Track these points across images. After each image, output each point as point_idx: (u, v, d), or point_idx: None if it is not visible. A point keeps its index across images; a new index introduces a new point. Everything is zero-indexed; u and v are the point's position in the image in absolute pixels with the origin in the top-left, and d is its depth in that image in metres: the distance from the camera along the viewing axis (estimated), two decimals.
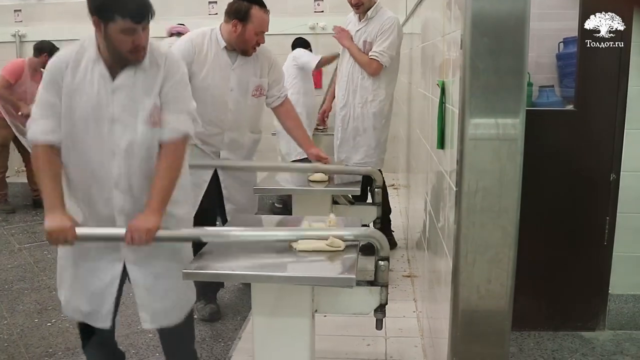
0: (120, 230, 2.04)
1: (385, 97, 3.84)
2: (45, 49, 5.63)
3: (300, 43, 5.35)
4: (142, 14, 1.98)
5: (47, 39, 5.85)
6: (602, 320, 2.96)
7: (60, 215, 2.06)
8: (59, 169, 2.13)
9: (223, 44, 3.05)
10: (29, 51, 6.95)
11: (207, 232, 2.16)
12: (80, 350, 3.01)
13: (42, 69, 5.74)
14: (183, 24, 5.20)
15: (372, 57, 3.73)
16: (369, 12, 3.83)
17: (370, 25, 3.80)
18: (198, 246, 2.17)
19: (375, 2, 3.85)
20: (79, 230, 2.04)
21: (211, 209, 3.22)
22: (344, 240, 1.97)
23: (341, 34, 3.90)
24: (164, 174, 2.09)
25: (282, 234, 2.15)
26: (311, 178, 3.22)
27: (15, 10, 7.18)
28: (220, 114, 3.08)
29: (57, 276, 2.36)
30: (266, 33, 3.09)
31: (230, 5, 3.05)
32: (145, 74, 2.08)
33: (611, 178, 2.82)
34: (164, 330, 2.38)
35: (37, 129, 2.07)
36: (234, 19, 3.00)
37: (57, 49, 5.66)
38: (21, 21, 7.20)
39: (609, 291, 2.93)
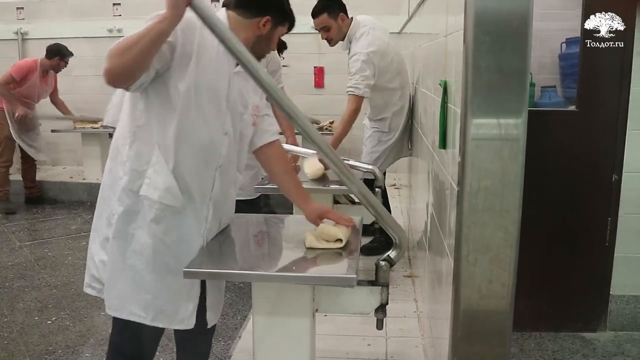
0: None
1: (388, 115, 3.86)
2: (59, 53, 5.65)
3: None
4: (291, 30, 2.15)
5: (49, 37, 5.87)
6: (603, 321, 2.95)
7: None
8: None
9: None
10: (31, 49, 6.99)
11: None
12: (80, 349, 3.02)
13: (52, 71, 5.77)
14: None
15: (347, 92, 3.68)
16: (343, 47, 3.78)
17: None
18: None
19: (346, 32, 3.74)
20: None
21: None
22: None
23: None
24: (289, 164, 2.31)
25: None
26: (308, 173, 3.22)
27: (17, 8, 7.17)
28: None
29: (113, 285, 2.00)
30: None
31: None
32: None
33: (613, 179, 2.82)
34: (189, 334, 2.12)
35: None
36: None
37: (71, 53, 5.69)
38: (23, 19, 7.20)
39: (610, 292, 2.92)
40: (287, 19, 2.09)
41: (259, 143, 2.19)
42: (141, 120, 1.93)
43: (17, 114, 5.60)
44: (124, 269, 1.97)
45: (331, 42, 3.79)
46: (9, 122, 5.67)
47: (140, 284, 1.97)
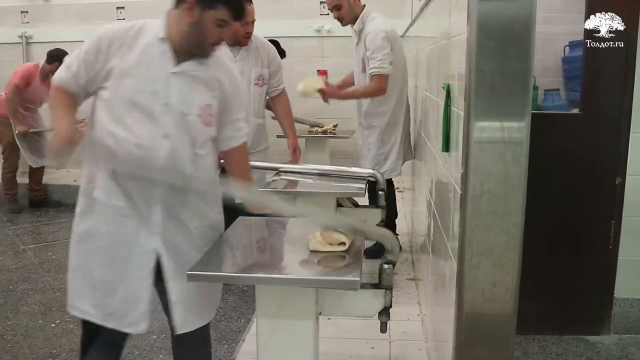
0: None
1: (389, 108, 3.88)
2: (59, 58, 5.66)
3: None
4: (241, 13, 1.99)
5: (53, 41, 5.89)
6: (607, 324, 2.95)
7: (68, 120, 1.94)
8: (75, 105, 2.04)
9: None
10: (36, 52, 7.01)
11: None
12: None
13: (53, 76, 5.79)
14: None
15: (372, 73, 3.64)
16: (355, 27, 3.80)
17: (361, 42, 3.78)
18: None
19: (358, 13, 3.78)
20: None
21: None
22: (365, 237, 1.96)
23: (331, 95, 3.79)
24: (245, 175, 2.24)
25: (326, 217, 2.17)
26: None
27: (22, 12, 7.21)
28: None
29: (70, 284, 2.10)
30: (272, 36, 3.18)
31: None
32: (208, 71, 2.03)
33: (617, 182, 2.82)
34: (183, 336, 2.14)
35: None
36: None
37: None
38: (28, 22, 7.23)
39: (614, 295, 2.92)
40: (218, 2, 1.92)
41: (223, 148, 2.17)
42: (90, 127, 2.04)
43: (16, 131, 5.68)
44: (79, 268, 2.07)
45: (343, 21, 3.80)
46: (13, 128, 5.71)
47: (92, 283, 2.04)
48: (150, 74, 1.95)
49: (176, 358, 2.37)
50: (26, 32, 7.18)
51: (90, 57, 1.97)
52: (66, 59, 2.06)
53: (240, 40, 3.38)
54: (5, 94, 5.65)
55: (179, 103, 1.97)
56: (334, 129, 6.12)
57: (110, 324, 2.04)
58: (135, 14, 6.63)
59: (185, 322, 2.08)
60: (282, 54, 4.93)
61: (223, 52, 2.97)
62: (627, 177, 2.80)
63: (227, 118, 2.12)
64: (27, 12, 7.21)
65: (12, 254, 4.68)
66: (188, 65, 1.98)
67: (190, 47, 1.97)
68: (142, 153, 1.95)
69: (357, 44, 3.84)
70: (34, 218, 5.82)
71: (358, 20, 3.77)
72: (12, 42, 7.20)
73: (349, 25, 3.84)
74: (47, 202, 6.21)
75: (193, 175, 2.04)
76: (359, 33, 3.78)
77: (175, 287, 2.03)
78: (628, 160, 2.79)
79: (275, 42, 5.08)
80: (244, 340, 3.01)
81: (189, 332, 2.12)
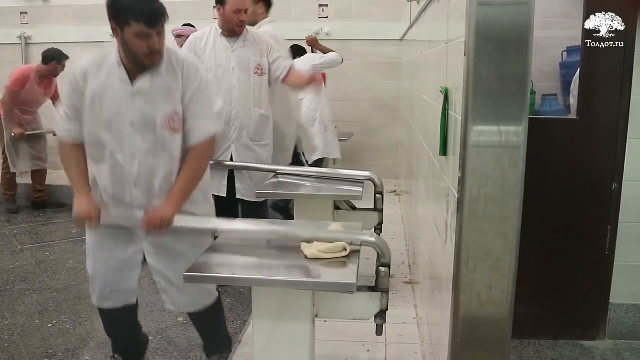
0: (140, 216, 2.22)
1: None
2: (55, 57, 5.67)
3: (301, 51, 5.31)
4: (155, 19, 2.06)
5: (52, 42, 5.88)
6: (602, 329, 2.95)
7: (87, 199, 2.23)
8: (84, 159, 2.30)
9: (220, 31, 3.44)
10: (35, 53, 7.00)
11: (222, 224, 2.26)
12: (80, 352, 3.03)
13: (52, 77, 5.78)
14: (191, 25, 5.19)
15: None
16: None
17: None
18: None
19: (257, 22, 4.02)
20: (105, 221, 2.24)
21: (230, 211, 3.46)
22: (350, 244, 1.97)
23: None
24: (189, 174, 2.25)
25: (293, 230, 2.20)
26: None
27: (21, 13, 7.20)
28: (226, 92, 3.40)
29: (88, 270, 2.50)
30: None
31: None
32: (163, 79, 2.17)
33: (613, 187, 2.82)
34: (192, 314, 2.60)
35: (64, 128, 2.26)
36: (216, 5, 3.43)
37: (67, 57, 5.69)
38: (27, 23, 7.23)
39: (610, 300, 2.92)
40: (125, 16, 2.04)
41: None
42: None
43: (13, 134, 5.68)
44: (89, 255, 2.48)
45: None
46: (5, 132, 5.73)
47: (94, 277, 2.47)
48: (113, 99, 2.16)
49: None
50: (25, 33, 7.18)
51: (73, 96, 2.22)
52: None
53: (234, 29, 3.42)
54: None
55: (142, 121, 2.17)
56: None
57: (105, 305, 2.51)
58: None
59: (179, 305, 2.50)
60: (302, 52, 5.07)
61: (220, 43, 3.38)
62: (623, 182, 2.80)
63: (185, 114, 2.23)
64: (26, 13, 7.20)
65: (9, 254, 4.67)
66: (143, 82, 2.16)
67: (133, 65, 2.14)
68: (119, 174, 2.24)
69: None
70: (32, 218, 5.81)
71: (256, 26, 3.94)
72: (12, 43, 7.20)
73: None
74: (49, 204, 6.18)
75: (168, 181, 2.27)
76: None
77: (161, 279, 2.42)
78: (625, 166, 2.79)
79: (299, 46, 5.18)
80: (240, 342, 3.00)
81: (197, 312, 2.53)
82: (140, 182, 2.24)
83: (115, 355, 2.73)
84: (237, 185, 3.51)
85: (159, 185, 2.26)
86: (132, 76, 2.16)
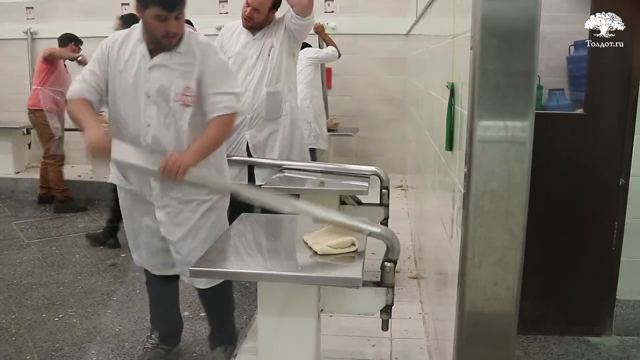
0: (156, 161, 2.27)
1: None
2: (73, 39, 5.69)
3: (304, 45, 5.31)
4: (174, 3, 2.22)
5: (58, 37, 5.86)
6: (608, 325, 2.94)
7: (98, 129, 2.23)
8: (94, 111, 2.38)
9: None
10: (41, 48, 6.99)
11: (234, 187, 2.41)
12: (87, 346, 3.04)
13: (69, 60, 5.78)
14: (190, 23, 5.17)
15: None
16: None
17: None
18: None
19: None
20: (118, 155, 2.24)
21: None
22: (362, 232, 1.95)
23: None
24: (207, 136, 2.37)
25: (308, 208, 2.09)
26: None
27: (27, 8, 7.22)
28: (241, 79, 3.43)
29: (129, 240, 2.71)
30: None
31: None
32: (181, 58, 2.34)
33: (620, 183, 2.81)
34: (203, 295, 2.72)
35: (76, 88, 2.37)
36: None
37: (81, 41, 5.70)
38: (33, 18, 7.24)
39: (617, 296, 2.91)
40: (148, 1, 2.20)
41: (207, 119, 2.40)
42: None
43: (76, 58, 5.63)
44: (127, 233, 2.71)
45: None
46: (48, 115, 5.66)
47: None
48: (132, 71, 2.33)
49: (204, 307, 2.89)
50: (31, 28, 7.20)
51: (97, 64, 2.37)
52: (77, 76, 2.42)
53: (244, 21, 3.40)
54: (40, 85, 5.59)
55: (160, 95, 2.34)
56: (335, 125, 6.12)
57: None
58: None
59: (193, 280, 2.56)
60: (305, 45, 5.09)
61: (238, 32, 3.43)
62: (630, 178, 2.79)
63: (205, 92, 2.37)
64: (32, 8, 7.22)
65: (16, 249, 4.70)
66: (160, 59, 2.33)
67: (154, 43, 2.32)
68: (134, 139, 2.36)
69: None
70: (38, 213, 5.83)
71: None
72: (18, 38, 7.21)
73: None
74: (53, 199, 6.16)
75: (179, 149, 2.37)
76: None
77: (173, 250, 2.53)
78: (632, 161, 2.78)
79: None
80: (245, 337, 3.01)
81: (207, 291, 2.63)
82: (155, 152, 2.35)
83: (152, 335, 2.82)
84: (256, 170, 3.52)
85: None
86: (152, 53, 2.33)
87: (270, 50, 3.41)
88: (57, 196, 5.82)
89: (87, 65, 2.42)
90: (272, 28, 3.45)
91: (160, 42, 2.29)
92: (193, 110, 2.37)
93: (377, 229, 1.95)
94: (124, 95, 2.36)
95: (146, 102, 2.34)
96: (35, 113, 5.65)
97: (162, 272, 2.68)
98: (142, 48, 2.34)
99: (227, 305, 2.80)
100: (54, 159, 5.74)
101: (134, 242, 2.68)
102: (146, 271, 2.75)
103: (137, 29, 2.38)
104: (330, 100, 6.72)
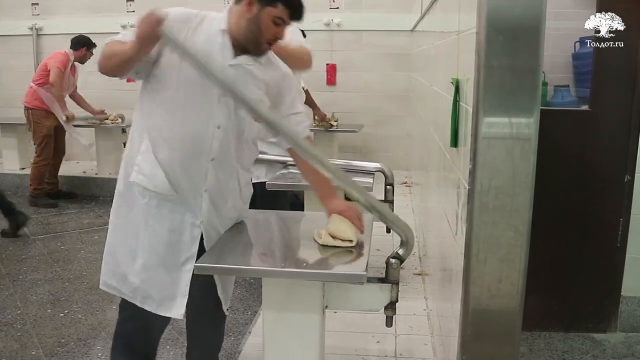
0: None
1: None
2: (85, 43, 5.66)
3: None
4: (300, 13, 1.97)
5: (64, 33, 5.89)
6: (613, 322, 2.94)
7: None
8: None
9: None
10: (46, 44, 7.05)
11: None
12: (92, 341, 3.05)
13: (78, 62, 5.78)
14: None
15: None
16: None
17: None
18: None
19: None
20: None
21: None
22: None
23: None
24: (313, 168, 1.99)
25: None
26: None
27: (32, 4, 7.23)
28: None
29: (112, 262, 2.15)
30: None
31: None
32: (261, 68, 2.05)
33: (625, 179, 2.80)
34: (198, 325, 2.36)
35: (116, 38, 1.94)
36: None
37: (95, 44, 5.69)
38: (38, 14, 7.25)
39: (622, 293, 2.91)
40: (277, 0, 1.92)
41: (285, 145, 2.12)
42: (137, 110, 2.05)
43: (63, 118, 5.63)
44: (119, 251, 2.12)
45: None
46: (59, 118, 5.67)
47: (131, 267, 2.08)
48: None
49: (190, 339, 2.45)
50: (36, 24, 7.21)
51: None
52: (121, 34, 1.98)
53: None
54: (37, 85, 5.60)
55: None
56: (335, 121, 6.10)
57: (147, 307, 2.09)
58: (145, 7, 6.64)
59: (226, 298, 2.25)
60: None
61: None
62: (636, 175, 2.79)
63: (286, 112, 2.15)
64: (37, 4, 7.23)
65: (21, 244, 4.72)
66: (244, 59, 2.00)
67: (247, 43, 1.98)
68: (197, 141, 1.99)
69: None
70: (43, 209, 5.85)
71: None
72: (23, 34, 7.23)
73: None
74: (58, 195, 6.18)
75: (236, 166, 2.10)
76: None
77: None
78: (637, 158, 2.77)
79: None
80: (250, 333, 3.02)
81: (207, 316, 2.30)
82: (219, 158, 2.03)
83: None
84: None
85: (231, 166, 2.08)
86: (234, 51, 2.01)
87: None
88: (29, 190, 5.89)
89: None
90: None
91: (259, 45, 1.99)
92: (259, 126, 2.07)
93: (397, 219, 1.95)
94: (189, 84, 1.95)
95: (220, 102, 1.98)
96: (30, 110, 5.69)
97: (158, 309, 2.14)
98: (226, 40, 1.99)
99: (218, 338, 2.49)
100: (39, 156, 5.79)
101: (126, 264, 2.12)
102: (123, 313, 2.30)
103: (212, 20, 2.02)
104: (335, 96, 6.73)
